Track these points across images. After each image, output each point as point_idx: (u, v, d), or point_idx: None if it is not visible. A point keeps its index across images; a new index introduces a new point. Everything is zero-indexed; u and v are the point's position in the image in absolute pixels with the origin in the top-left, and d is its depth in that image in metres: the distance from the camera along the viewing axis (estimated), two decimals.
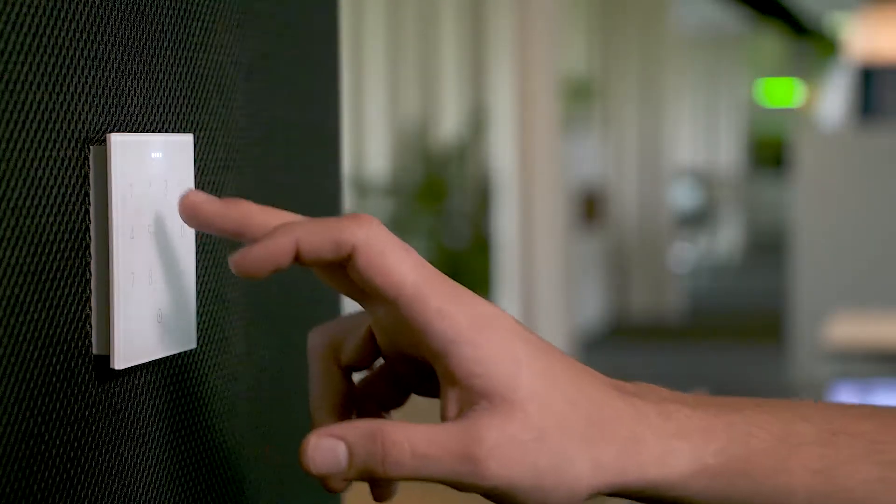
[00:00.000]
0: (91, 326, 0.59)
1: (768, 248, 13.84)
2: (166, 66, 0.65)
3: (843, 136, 6.80)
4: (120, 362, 0.60)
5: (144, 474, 0.63)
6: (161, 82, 0.65)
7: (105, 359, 0.60)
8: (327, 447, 0.58)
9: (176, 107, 0.66)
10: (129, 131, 0.62)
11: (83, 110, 0.59)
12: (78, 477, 0.58)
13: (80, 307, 0.59)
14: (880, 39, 6.93)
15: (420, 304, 0.59)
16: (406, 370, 0.64)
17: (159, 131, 0.65)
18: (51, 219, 0.57)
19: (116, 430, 0.61)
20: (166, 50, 0.65)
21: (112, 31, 0.61)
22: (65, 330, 0.58)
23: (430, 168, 6.80)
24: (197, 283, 0.68)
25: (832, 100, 8.80)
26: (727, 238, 14.64)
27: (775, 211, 14.44)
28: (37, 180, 0.56)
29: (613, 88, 9.57)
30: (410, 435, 0.58)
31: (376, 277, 0.59)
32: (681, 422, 0.60)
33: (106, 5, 0.60)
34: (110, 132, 0.60)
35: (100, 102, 0.60)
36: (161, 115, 0.65)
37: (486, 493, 0.59)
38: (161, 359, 0.65)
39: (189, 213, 0.62)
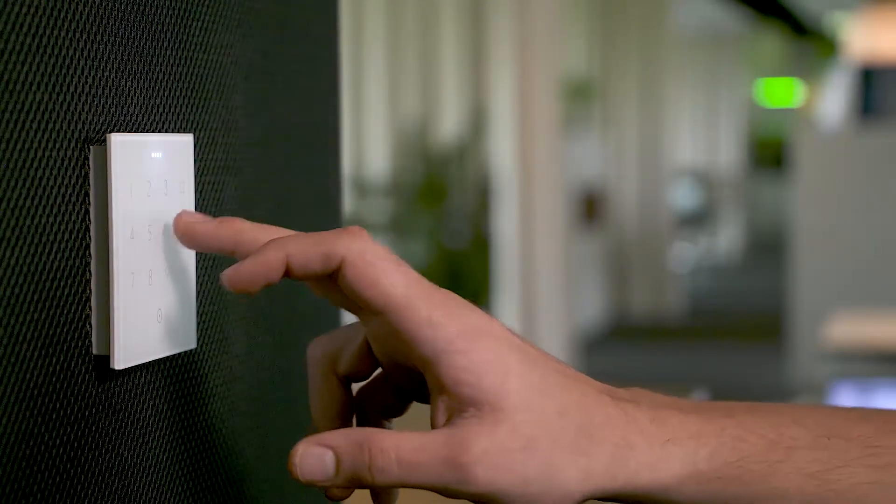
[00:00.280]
0: (91, 326, 0.59)
1: (768, 248, 13.84)
2: (166, 66, 0.65)
3: (843, 136, 6.80)
4: (120, 362, 0.60)
5: (144, 474, 0.63)
6: (161, 82, 0.65)
7: (105, 359, 0.60)
8: (315, 455, 0.60)
9: (176, 107, 0.66)
10: (129, 131, 0.62)
11: (83, 110, 0.59)
12: (78, 477, 0.58)
13: (80, 307, 0.59)
14: (880, 39, 6.93)
15: (409, 313, 0.59)
16: (403, 379, 0.64)
17: (159, 131, 0.65)
18: (51, 219, 0.57)
19: (116, 430, 0.61)
20: (166, 50, 0.65)
21: (112, 31, 0.61)
22: (65, 330, 0.58)
23: (430, 168, 6.79)
24: (197, 283, 0.68)
25: (832, 100, 8.80)
26: (727, 238, 14.64)
27: (775, 211, 14.43)
28: (37, 180, 0.56)
29: (613, 88, 9.56)
30: (398, 442, 0.59)
31: (366, 289, 0.60)
32: (674, 427, 0.61)
33: (106, 5, 0.60)
34: (110, 132, 0.60)
35: (100, 102, 0.60)
36: (161, 115, 0.65)
37: (474, 500, 0.59)
38: (161, 359, 0.65)
39: (184, 234, 0.64)
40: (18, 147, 0.54)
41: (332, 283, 0.61)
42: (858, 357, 4.36)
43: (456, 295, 0.61)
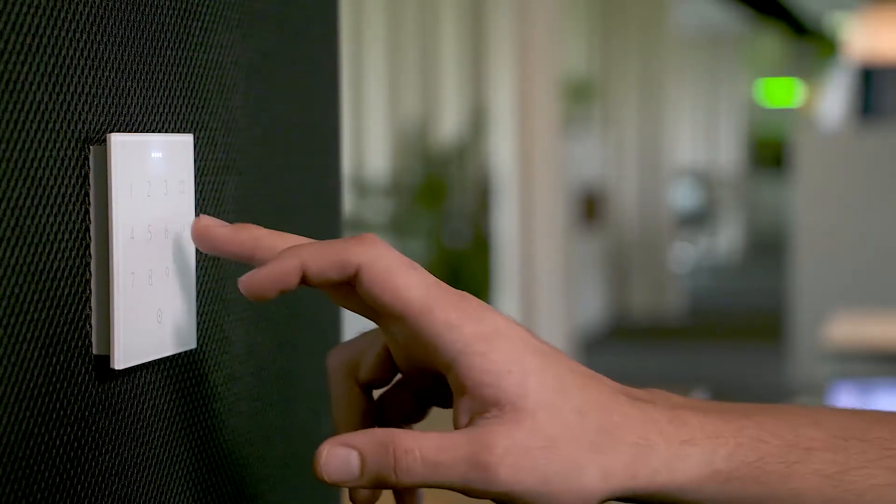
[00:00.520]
0: (91, 326, 0.59)
1: (768, 248, 13.83)
2: (166, 66, 0.65)
3: (843, 136, 6.79)
4: (120, 362, 0.60)
5: (144, 474, 0.63)
6: (161, 82, 0.65)
7: (105, 359, 0.60)
8: (340, 456, 0.60)
9: (176, 107, 0.66)
10: (129, 131, 0.62)
11: (83, 110, 0.59)
12: (78, 477, 0.58)
13: (80, 307, 0.59)
14: (880, 39, 6.92)
15: (428, 317, 0.60)
16: (423, 383, 0.65)
17: (159, 131, 0.65)
18: (51, 219, 0.57)
19: (116, 430, 0.61)
20: (166, 50, 0.65)
21: (112, 31, 0.61)
22: (65, 330, 0.58)
23: (430, 168, 6.79)
24: (197, 283, 0.68)
25: (832, 100, 8.80)
26: (727, 238, 14.64)
27: (775, 211, 14.42)
28: (37, 180, 0.56)
29: (613, 88, 9.56)
30: (421, 443, 0.59)
31: (383, 295, 0.60)
32: (692, 427, 0.61)
33: (106, 5, 0.60)
34: (110, 132, 0.60)
35: (100, 102, 0.60)
36: (161, 115, 0.65)
37: (497, 499, 0.60)
38: (161, 359, 0.65)
39: (201, 238, 0.64)
40: (18, 147, 0.54)
41: (351, 291, 0.62)
42: (858, 357, 4.35)
43: (472, 296, 0.62)
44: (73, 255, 0.58)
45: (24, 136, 0.55)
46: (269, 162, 0.77)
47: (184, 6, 0.67)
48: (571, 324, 6.46)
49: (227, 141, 0.71)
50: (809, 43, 14.95)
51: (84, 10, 0.59)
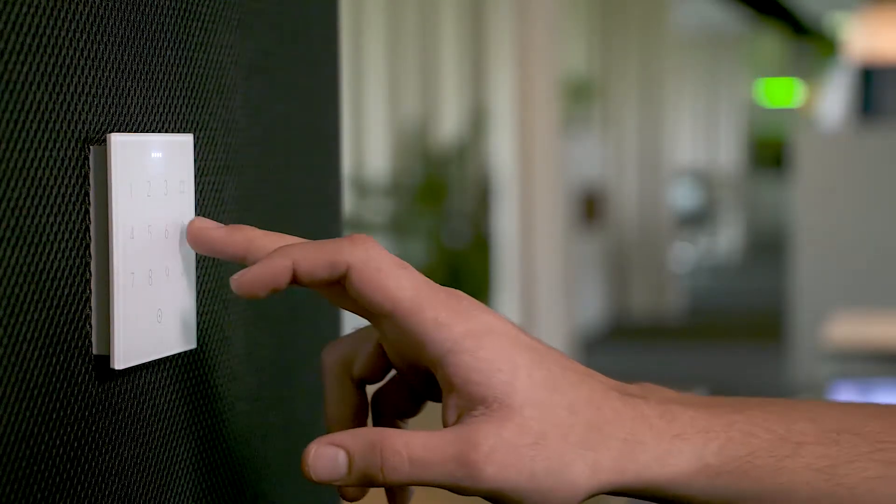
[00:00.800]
0: (91, 326, 0.59)
1: (768, 248, 13.83)
2: (166, 66, 0.65)
3: (843, 136, 6.79)
4: (120, 362, 0.60)
5: (144, 474, 0.63)
6: (161, 82, 0.65)
7: (105, 359, 0.60)
8: (327, 455, 0.60)
9: (176, 107, 0.66)
10: (129, 131, 0.62)
11: (83, 110, 0.59)
12: (78, 477, 0.58)
13: (80, 307, 0.59)
14: (880, 39, 6.92)
15: (417, 315, 0.60)
16: (416, 380, 0.65)
17: (159, 131, 0.65)
18: (51, 219, 0.57)
19: (116, 430, 0.61)
20: (166, 50, 0.65)
21: (112, 31, 0.61)
22: (65, 330, 0.58)
23: (430, 168, 6.79)
24: (197, 283, 0.68)
25: (832, 100, 8.80)
26: (727, 238, 14.64)
27: (775, 211, 14.42)
28: (37, 180, 0.56)
29: (613, 88, 9.56)
30: (408, 441, 0.59)
31: (373, 295, 0.61)
32: (683, 422, 0.61)
33: (106, 5, 0.60)
34: (110, 132, 0.60)
35: (100, 102, 0.60)
36: (161, 115, 0.65)
37: (485, 496, 0.60)
38: (161, 359, 0.65)
39: (195, 240, 0.65)
40: (18, 147, 0.54)
41: (343, 291, 0.62)
42: (858, 357, 4.35)
43: (463, 294, 0.62)
44: (73, 255, 0.58)
45: (24, 136, 0.55)
46: (269, 162, 0.77)
47: (184, 6, 0.67)
48: (571, 324, 6.46)
49: (227, 141, 0.71)
50: (809, 43, 14.95)
51: (84, 10, 0.59)
